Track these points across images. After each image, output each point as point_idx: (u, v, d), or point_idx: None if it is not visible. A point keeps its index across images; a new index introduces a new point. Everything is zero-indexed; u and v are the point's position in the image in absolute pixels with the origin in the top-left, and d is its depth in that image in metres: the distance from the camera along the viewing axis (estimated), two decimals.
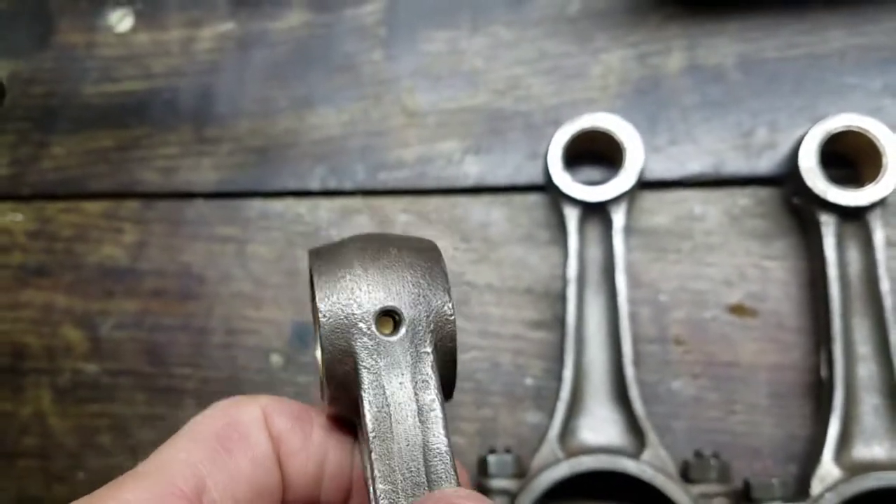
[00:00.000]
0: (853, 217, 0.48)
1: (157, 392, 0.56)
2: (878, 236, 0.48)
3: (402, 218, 0.56)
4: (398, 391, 0.27)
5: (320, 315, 0.28)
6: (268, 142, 0.58)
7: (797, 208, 0.51)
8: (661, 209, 0.53)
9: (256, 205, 0.58)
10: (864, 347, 0.48)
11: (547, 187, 0.53)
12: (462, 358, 0.53)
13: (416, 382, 0.27)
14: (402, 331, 0.27)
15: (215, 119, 0.59)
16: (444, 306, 0.28)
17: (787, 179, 0.51)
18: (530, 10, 0.57)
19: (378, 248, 0.28)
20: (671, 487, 0.46)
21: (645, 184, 0.52)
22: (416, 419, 0.27)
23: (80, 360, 0.57)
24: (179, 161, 0.59)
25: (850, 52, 0.53)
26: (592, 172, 0.54)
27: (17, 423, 0.57)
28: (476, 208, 0.55)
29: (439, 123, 0.57)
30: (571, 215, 0.51)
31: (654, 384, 0.51)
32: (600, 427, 0.49)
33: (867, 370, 0.48)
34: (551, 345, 0.52)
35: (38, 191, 0.60)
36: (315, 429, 0.30)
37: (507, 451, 0.48)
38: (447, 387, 0.29)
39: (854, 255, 0.49)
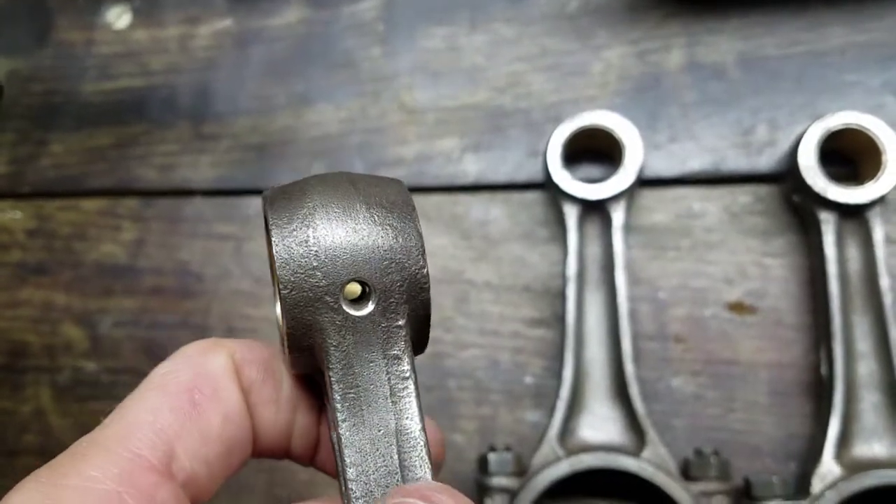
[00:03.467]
0: (853, 214, 0.48)
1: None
2: (878, 234, 0.48)
3: None
4: (369, 371, 0.25)
5: (281, 286, 0.25)
6: (266, 139, 0.58)
7: (797, 206, 0.51)
8: (661, 207, 0.53)
9: (255, 202, 0.58)
10: (864, 345, 0.48)
11: (546, 185, 0.53)
12: (461, 356, 0.53)
13: (389, 360, 0.25)
14: (372, 304, 0.24)
15: (213, 116, 0.59)
16: (418, 273, 0.24)
17: (786, 177, 0.51)
18: (530, 6, 0.57)
19: (345, 204, 0.24)
20: (671, 485, 0.46)
21: (644, 181, 0.52)
22: (388, 401, 0.25)
23: (79, 357, 0.57)
24: (178, 158, 0.59)
25: (850, 50, 0.53)
26: (592, 170, 0.54)
27: (17, 421, 0.57)
28: (475, 206, 0.55)
29: (438, 121, 0.56)
30: (571, 213, 0.51)
31: (653, 382, 0.51)
32: (600, 425, 0.49)
33: (867, 368, 0.48)
34: (551, 343, 0.52)
35: (37, 189, 0.60)
36: (286, 378, 0.28)
37: (507, 449, 0.48)
38: (417, 349, 0.27)
39: (854, 253, 0.49)
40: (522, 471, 0.47)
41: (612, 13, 0.56)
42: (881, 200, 0.48)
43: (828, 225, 0.48)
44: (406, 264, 0.24)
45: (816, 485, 0.45)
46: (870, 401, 0.47)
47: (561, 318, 0.50)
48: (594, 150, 0.53)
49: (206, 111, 0.59)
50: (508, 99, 0.56)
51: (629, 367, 0.48)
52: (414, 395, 0.25)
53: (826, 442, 0.46)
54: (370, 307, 0.24)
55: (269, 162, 0.58)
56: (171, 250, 0.58)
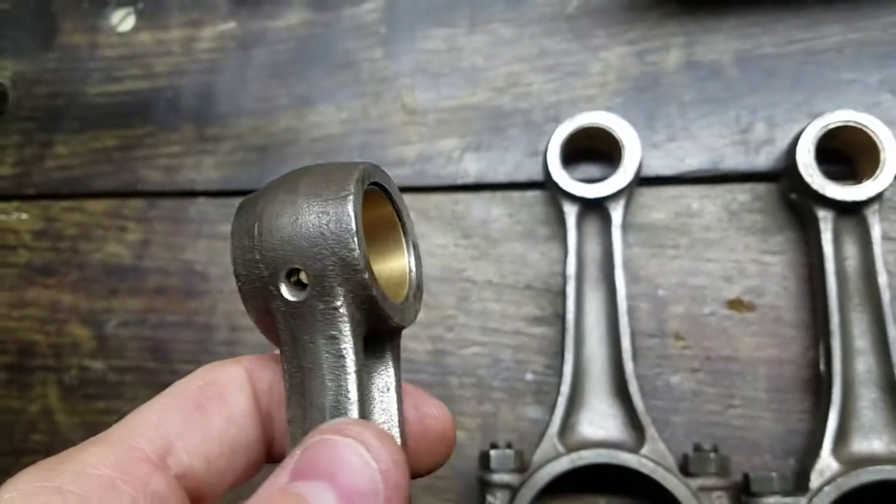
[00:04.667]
0: (850, 212, 0.49)
1: (162, 388, 0.55)
2: (876, 231, 0.48)
3: None
4: (309, 352, 0.26)
5: (235, 278, 0.26)
6: (269, 140, 0.59)
7: (795, 204, 0.51)
8: (660, 205, 0.53)
9: None
10: (862, 342, 0.48)
11: (546, 184, 0.54)
12: (463, 354, 0.54)
13: (327, 341, 0.25)
14: (308, 290, 0.25)
15: (217, 118, 0.60)
16: (348, 255, 0.25)
17: (784, 175, 0.51)
18: (529, 7, 0.57)
19: (286, 198, 0.26)
20: (671, 481, 0.46)
21: (643, 180, 0.53)
22: (326, 380, 0.25)
23: (86, 357, 0.58)
24: (182, 160, 0.59)
25: (847, 48, 0.53)
26: (591, 169, 0.54)
27: (24, 420, 0.57)
28: (476, 205, 0.56)
29: (439, 121, 0.57)
30: (570, 212, 0.51)
31: (653, 379, 0.51)
32: (600, 421, 0.49)
33: (865, 364, 0.48)
34: (551, 340, 0.53)
35: (43, 190, 0.61)
36: None
37: (509, 445, 0.48)
38: (381, 329, 0.27)
39: (851, 250, 0.49)
40: (523, 467, 0.48)
41: (611, 14, 0.56)
42: (879, 198, 0.48)
43: (826, 222, 0.49)
44: (336, 248, 0.25)
45: (815, 480, 0.45)
46: (868, 397, 0.47)
47: (561, 316, 0.51)
48: (593, 149, 0.53)
49: (209, 113, 0.60)
50: (508, 99, 0.56)
51: (629, 365, 0.49)
52: (351, 373, 0.25)
53: (824, 438, 0.46)
54: (307, 293, 0.25)
55: (271, 163, 0.58)
56: (176, 250, 0.58)
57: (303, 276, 0.26)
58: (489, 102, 0.57)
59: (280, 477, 0.23)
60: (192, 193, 0.59)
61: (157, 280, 0.58)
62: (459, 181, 0.56)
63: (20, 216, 0.61)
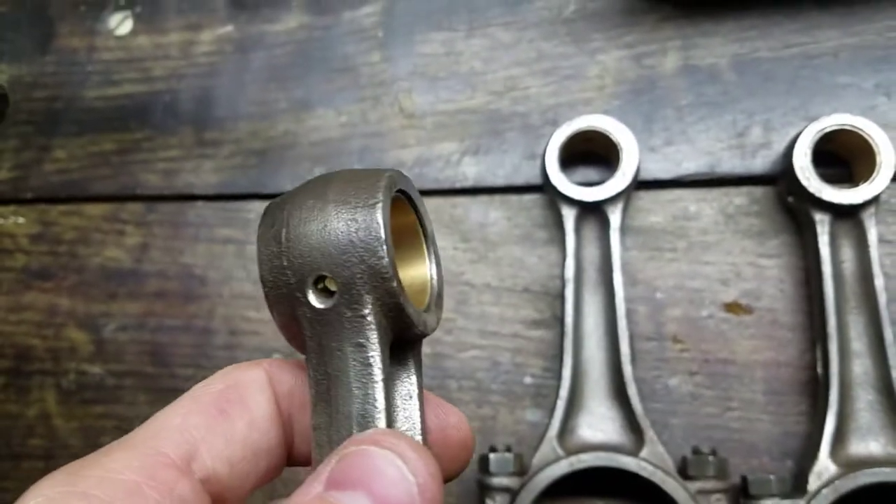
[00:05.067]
0: (847, 215, 0.49)
1: (161, 393, 0.56)
2: (872, 234, 0.48)
3: None
4: (336, 360, 0.26)
5: (262, 284, 0.26)
6: (267, 144, 0.59)
7: (791, 207, 0.51)
8: (657, 208, 0.54)
9: (257, 206, 0.58)
10: (859, 344, 0.48)
11: (544, 187, 0.54)
12: (462, 357, 0.54)
13: (354, 349, 0.25)
14: (336, 297, 0.25)
15: (215, 122, 0.60)
16: (377, 263, 0.25)
17: (781, 178, 0.51)
18: (527, 11, 0.58)
19: (314, 204, 0.26)
20: (670, 484, 0.46)
21: (641, 183, 0.53)
22: (353, 387, 0.25)
23: (84, 361, 0.58)
24: (180, 163, 0.60)
25: (843, 52, 0.53)
26: (589, 172, 0.54)
27: (22, 425, 0.57)
28: (474, 209, 0.56)
29: (437, 125, 0.57)
30: (569, 215, 0.52)
31: (651, 382, 0.51)
32: (599, 424, 0.50)
33: (862, 366, 0.48)
34: (550, 343, 0.53)
35: (41, 194, 0.61)
36: None
37: (508, 449, 0.48)
38: (405, 337, 0.27)
39: (848, 253, 0.49)
40: (523, 470, 0.48)
41: (608, 17, 0.56)
42: (875, 201, 0.48)
43: (822, 225, 0.49)
44: (365, 256, 0.25)
45: (813, 482, 0.46)
46: (865, 399, 0.48)
47: (560, 319, 0.51)
48: (591, 152, 0.53)
49: (207, 117, 0.60)
50: (506, 103, 0.56)
51: (627, 367, 0.49)
52: (379, 381, 0.25)
53: (822, 440, 0.46)
54: (335, 300, 0.25)
55: (270, 167, 0.58)
56: (175, 254, 0.58)
57: (330, 284, 0.25)
58: (487, 106, 0.57)
59: (315, 486, 0.23)
60: (191, 197, 0.59)
61: (156, 284, 0.58)
62: (458, 185, 0.56)
63: (17, 220, 0.61)
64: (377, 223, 0.25)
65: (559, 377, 0.50)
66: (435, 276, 0.30)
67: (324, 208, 0.26)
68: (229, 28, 0.61)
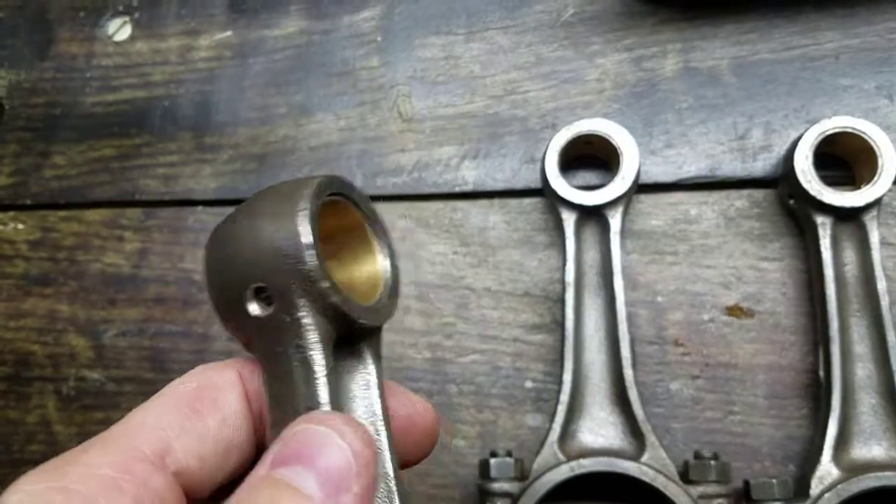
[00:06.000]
0: (849, 218, 0.49)
1: None
2: (874, 236, 0.48)
3: (400, 223, 0.56)
4: (281, 363, 0.27)
5: (210, 300, 0.28)
6: (267, 149, 0.59)
7: (793, 210, 0.51)
8: (658, 212, 0.54)
9: None
10: (862, 347, 0.48)
11: (544, 191, 0.54)
12: (462, 361, 0.54)
13: (296, 350, 0.26)
14: (274, 305, 0.26)
15: (214, 127, 0.60)
16: (305, 267, 0.26)
17: (782, 181, 0.51)
18: (526, 15, 0.58)
19: (245, 222, 0.27)
20: (672, 489, 0.46)
21: (641, 187, 0.53)
22: (300, 387, 0.26)
23: (83, 367, 0.58)
24: (180, 169, 0.59)
25: (844, 54, 0.53)
26: (589, 176, 0.54)
27: (22, 431, 0.57)
28: (474, 213, 0.56)
29: (436, 129, 0.57)
30: (569, 219, 0.51)
31: (652, 385, 0.51)
32: (600, 429, 0.49)
33: (865, 370, 0.48)
34: (550, 348, 0.53)
35: (40, 200, 0.61)
36: None
37: (508, 453, 0.48)
38: (353, 331, 0.28)
39: (850, 256, 0.49)
40: (523, 475, 0.47)
41: (607, 21, 0.56)
42: (877, 203, 0.48)
43: (824, 228, 0.49)
44: (292, 263, 0.26)
45: (815, 487, 0.45)
46: (868, 403, 0.47)
47: (560, 323, 0.51)
48: (591, 156, 0.53)
49: (207, 122, 0.60)
50: (505, 107, 0.56)
51: (628, 372, 0.49)
52: (321, 378, 0.27)
53: (824, 444, 0.46)
54: (273, 307, 0.27)
55: (269, 172, 0.58)
56: (174, 260, 0.58)
57: (268, 292, 0.27)
58: (486, 110, 0.57)
59: (261, 468, 0.25)
60: (191, 202, 0.59)
61: (156, 290, 0.58)
62: (457, 189, 0.56)
63: (17, 226, 0.61)
64: (301, 230, 0.26)
65: (560, 381, 0.49)
66: (388, 269, 0.31)
67: (253, 223, 0.27)
68: (228, 33, 0.61)
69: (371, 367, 0.30)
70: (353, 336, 0.29)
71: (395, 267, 0.31)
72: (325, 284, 0.26)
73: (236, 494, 0.24)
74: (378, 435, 0.29)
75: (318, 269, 0.26)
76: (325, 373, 0.26)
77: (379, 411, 0.29)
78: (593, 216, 0.52)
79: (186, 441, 0.27)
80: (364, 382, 0.30)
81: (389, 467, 0.28)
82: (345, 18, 0.60)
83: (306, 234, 0.26)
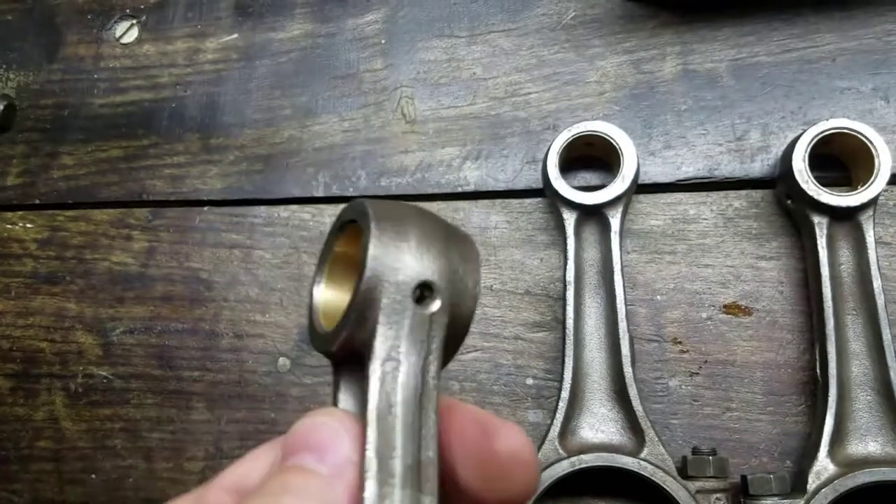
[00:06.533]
0: (845, 217, 0.49)
1: (168, 395, 0.57)
2: (870, 236, 0.49)
3: None
4: (406, 367, 0.26)
5: (366, 270, 0.26)
6: (272, 150, 0.60)
7: (790, 210, 0.52)
8: (657, 212, 0.54)
9: (262, 211, 0.59)
10: (857, 345, 0.49)
11: (545, 191, 0.54)
12: (463, 359, 0.54)
13: (425, 361, 0.26)
14: (433, 305, 0.26)
15: (221, 128, 0.61)
16: (475, 287, 0.27)
17: (780, 181, 0.52)
18: (527, 18, 0.58)
19: (433, 218, 0.28)
20: (670, 484, 0.47)
21: (641, 187, 0.53)
22: (416, 401, 0.26)
23: (91, 364, 0.58)
24: (186, 169, 0.60)
25: (841, 57, 0.54)
26: (589, 176, 0.55)
27: (31, 427, 0.58)
28: (476, 213, 0.56)
29: (439, 130, 0.58)
30: (569, 219, 0.52)
31: (652, 382, 0.52)
32: (600, 425, 0.50)
33: (860, 367, 0.48)
34: (551, 345, 0.53)
35: (49, 200, 0.62)
36: None
37: None
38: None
39: (846, 255, 0.50)
40: None
41: (607, 23, 0.57)
42: (873, 203, 0.49)
43: (821, 228, 0.49)
44: (468, 279, 0.27)
45: (812, 482, 0.46)
46: (864, 399, 0.48)
47: (561, 322, 0.52)
48: (591, 157, 0.54)
49: (213, 123, 0.61)
50: (507, 108, 0.57)
51: (628, 369, 0.49)
52: (435, 395, 0.27)
53: (821, 440, 0.47)
54: (430, 307, 0.27)
55: (275, 172, 0.59)
56: (181, 259, 0.59)
57: (428, 293, 0.27)
58: (488, 111, 0.57)
59: (274, 466, 0.27)
60: (197, 203, 0.60)
61: (163, 288, 0.59)
62: (459, 189, 0.57)
63: (26, 225, 0.62)
64: (479, 265, 0.28)
65: (560, 379, 0.50)
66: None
67: (444, 224, 0.29)
68: (234, 36, 0.62)
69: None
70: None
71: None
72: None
73: (258, 486, 0.26)
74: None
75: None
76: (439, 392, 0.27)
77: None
78: (593, 216, 0.52)
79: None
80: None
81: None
82: (349, 21, 0.61)
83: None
